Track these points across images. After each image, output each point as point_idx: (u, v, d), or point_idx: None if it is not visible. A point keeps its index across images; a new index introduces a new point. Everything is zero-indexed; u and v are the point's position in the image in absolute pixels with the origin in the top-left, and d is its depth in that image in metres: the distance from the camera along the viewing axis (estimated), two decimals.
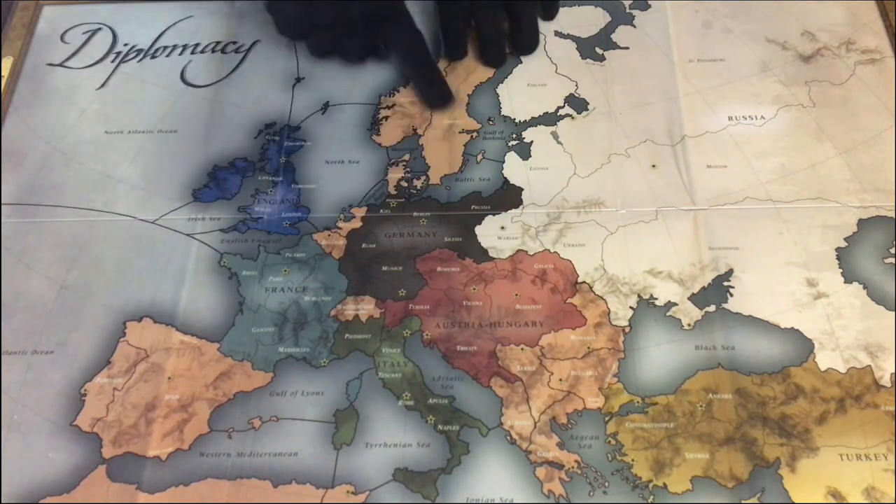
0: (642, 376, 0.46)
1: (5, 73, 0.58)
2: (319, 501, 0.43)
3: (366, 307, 0.48)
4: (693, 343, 0.46)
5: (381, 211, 0.52)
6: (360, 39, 0.56)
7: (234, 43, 0.60)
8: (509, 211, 0.52)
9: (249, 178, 0.54)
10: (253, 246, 0.51)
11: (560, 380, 0.46)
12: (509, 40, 0.58)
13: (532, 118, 0.56)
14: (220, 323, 0.48)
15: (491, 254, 0.50)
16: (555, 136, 0.55)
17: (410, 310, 0.48)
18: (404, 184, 0.53)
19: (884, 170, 0.52)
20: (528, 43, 0.58)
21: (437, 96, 0.56)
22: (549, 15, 0.60)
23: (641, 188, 0.52)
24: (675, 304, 0.48)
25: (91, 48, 0.60)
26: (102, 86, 0.58)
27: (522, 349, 0.47)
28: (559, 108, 0.56)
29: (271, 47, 0.60)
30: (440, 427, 0.44)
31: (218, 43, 0.60)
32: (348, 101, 0.57)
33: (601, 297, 0.48)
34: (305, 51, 0.58)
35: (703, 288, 0.48)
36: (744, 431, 0.44)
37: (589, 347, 0.47)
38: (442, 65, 0.58)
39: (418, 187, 0.53)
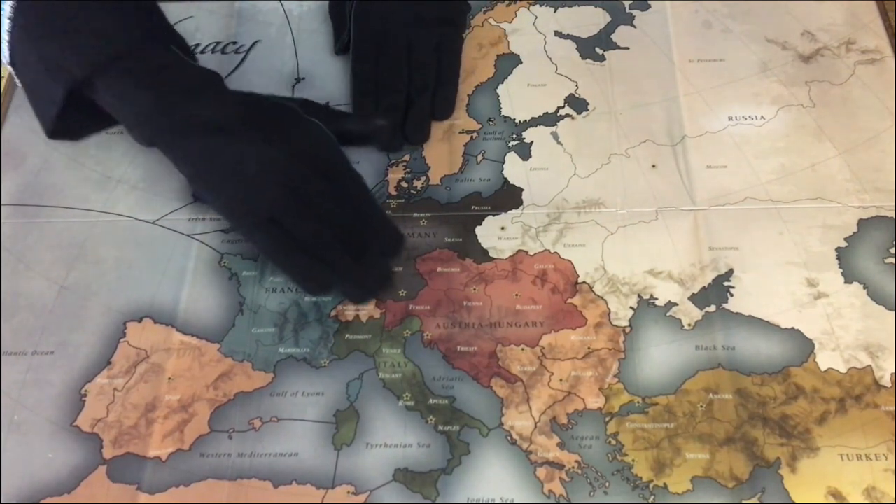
0: (642, 376, 0.46)
1: (5, 73, 0.58)
2: (320, 502, 0.42)
3: (366, 307, 0.48)
4: (693, 343, 0.46)
5: None
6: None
7: (234, 43, 0.60)
8: (509, 211, 0.52)
9: None
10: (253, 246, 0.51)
11: (560, 380, 0.46)
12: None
13: (532, 118, 0.56)
14: (221, 323, 0.48)
15: (491, 254, 0.50)
16: (555, 136, 0.55)
17: (411, 310, 0.48)
18: (404, 184, 0.53)
19: (884, 170, 0.52)
20: (414, 134, 0.54)
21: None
22: (442, 114, 0.55)
23: (641, 188, 0.52)
24: (676, 305, 0.48)
25: None
26: None
27: (523, 349, 0.47)
28: (559, 108, 0.56)
29: (271, 47, 0.60)
30: (440, 427, 0.44)
31: (218, 43, 0.60)
32: (348, 102, 0.57)
33: (601, 298, 0.48)
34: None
35: (704, 288, 0.48)
36: (744, 431, 0.44)
37: (589, 348, 0.47)
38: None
39: (418, 188, 0.53)
